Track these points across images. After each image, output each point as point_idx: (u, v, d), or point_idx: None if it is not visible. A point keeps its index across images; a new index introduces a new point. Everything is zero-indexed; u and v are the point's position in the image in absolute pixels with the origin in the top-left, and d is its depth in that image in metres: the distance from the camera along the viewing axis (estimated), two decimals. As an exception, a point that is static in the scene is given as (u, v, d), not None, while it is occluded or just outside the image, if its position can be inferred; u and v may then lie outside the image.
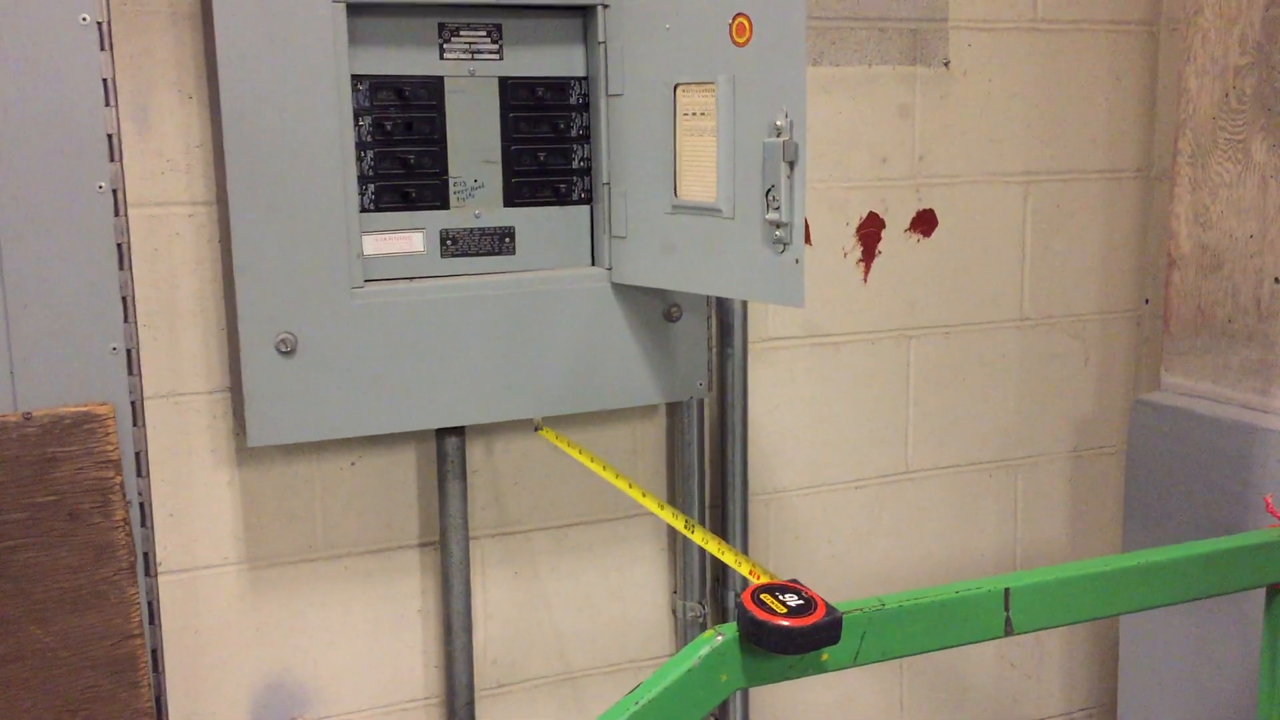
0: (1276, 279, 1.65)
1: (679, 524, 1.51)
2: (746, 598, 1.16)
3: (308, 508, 1.76)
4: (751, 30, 1.42)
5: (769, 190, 1.41)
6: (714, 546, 1.39)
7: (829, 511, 2.10)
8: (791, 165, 1.39)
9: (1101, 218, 2.23)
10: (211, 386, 1.68)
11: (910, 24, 2.02)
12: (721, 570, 1.99)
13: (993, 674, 2.29)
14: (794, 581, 1.19)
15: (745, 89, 1.44)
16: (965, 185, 2.11)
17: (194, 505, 1.70)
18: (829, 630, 1.15)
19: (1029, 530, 2.27)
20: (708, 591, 1.98)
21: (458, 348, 1.60)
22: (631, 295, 1.68)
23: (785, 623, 1.13)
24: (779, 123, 1.39)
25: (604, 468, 1.63)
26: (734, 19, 1.43)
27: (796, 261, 1.41)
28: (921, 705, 2.23)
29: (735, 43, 1.44)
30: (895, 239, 2.07)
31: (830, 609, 1.16)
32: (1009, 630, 1.29)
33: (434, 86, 1.60)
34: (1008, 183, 2.14)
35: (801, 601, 1.16)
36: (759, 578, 1.27)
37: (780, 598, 1.17)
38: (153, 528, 1.59)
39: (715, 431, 1.96)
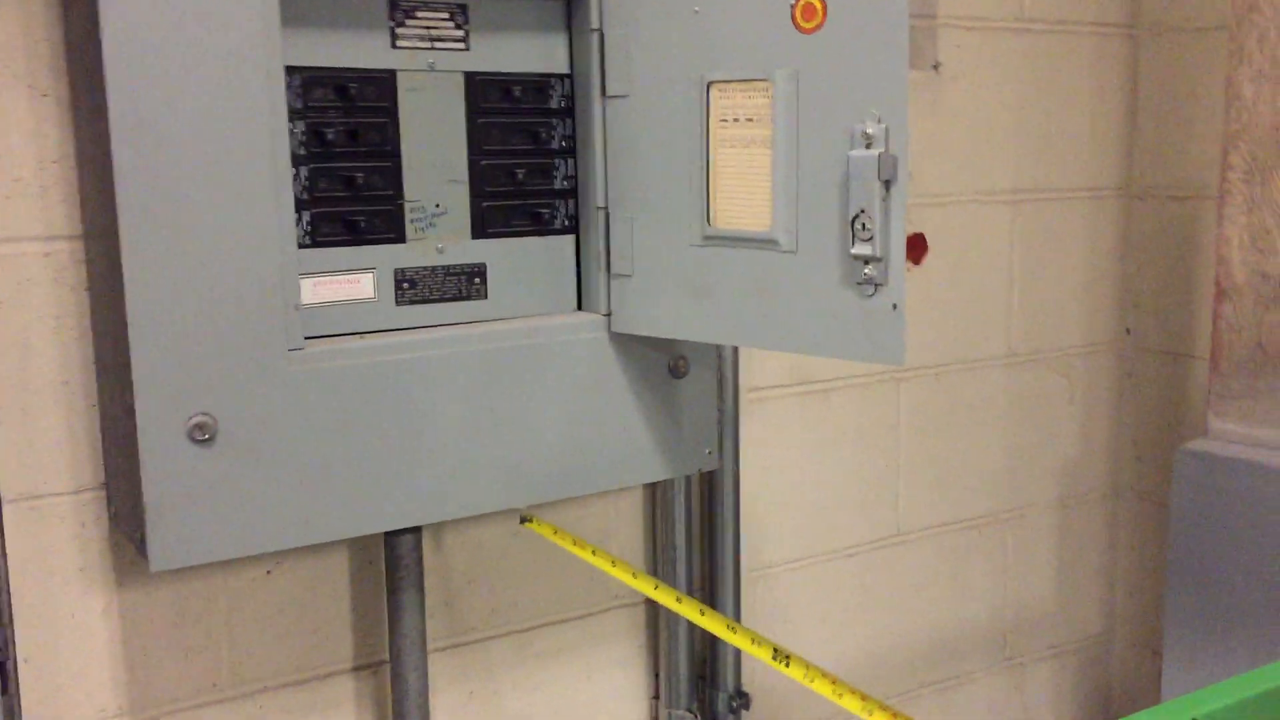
0: (1364, 310, 1.45)
1: (719, 628, 1.19)
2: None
3: (211, 635, 1.35)
4: (824, 11, 1.11)
5: (856, 217, 1.10)
6: (765, 653, 1.06)
7: (821, 586, 1.80)
8: (888, 185, 1.08)
9: (1084, 240, 2.02)
10: (79, 484, 1.26)
11: (900, 21, 1.75)
12: (709, 669, 1.66)
13: (982, 753, 2.05)
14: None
15: (815, 87, 1.12)
16: (954, 206, 1.85)
17: (59, 644, 1.27)
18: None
19: (1019, 589, 2.04)
20: (695, 694, 1.65)
21: (422, 423, 1.23)
22: (631, 347, 1.35)
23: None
24: (870, 130, 1.08)
25: (613, 563, 1.29)
26: (799, -2, 1.12)
27: (894, 307, 1.10)
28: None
29: (801, 28, 1.13)
30: (885, 268, 1.79)
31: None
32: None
33: (385, 83, 1.23)
34: (996, 203, 1.90)
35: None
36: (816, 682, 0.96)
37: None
38: (17, 675, 1.16)
39: (702, 503, 1.64)
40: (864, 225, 1.10)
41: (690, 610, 1.23)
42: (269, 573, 1.37)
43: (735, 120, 1.19)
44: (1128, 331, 2.09)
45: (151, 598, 1.31)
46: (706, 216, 1.22)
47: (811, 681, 1.05)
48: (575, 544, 1.30)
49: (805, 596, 1.79)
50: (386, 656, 1.45)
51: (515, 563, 1.53)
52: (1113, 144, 2.02)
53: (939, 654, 1.95)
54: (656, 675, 1.66)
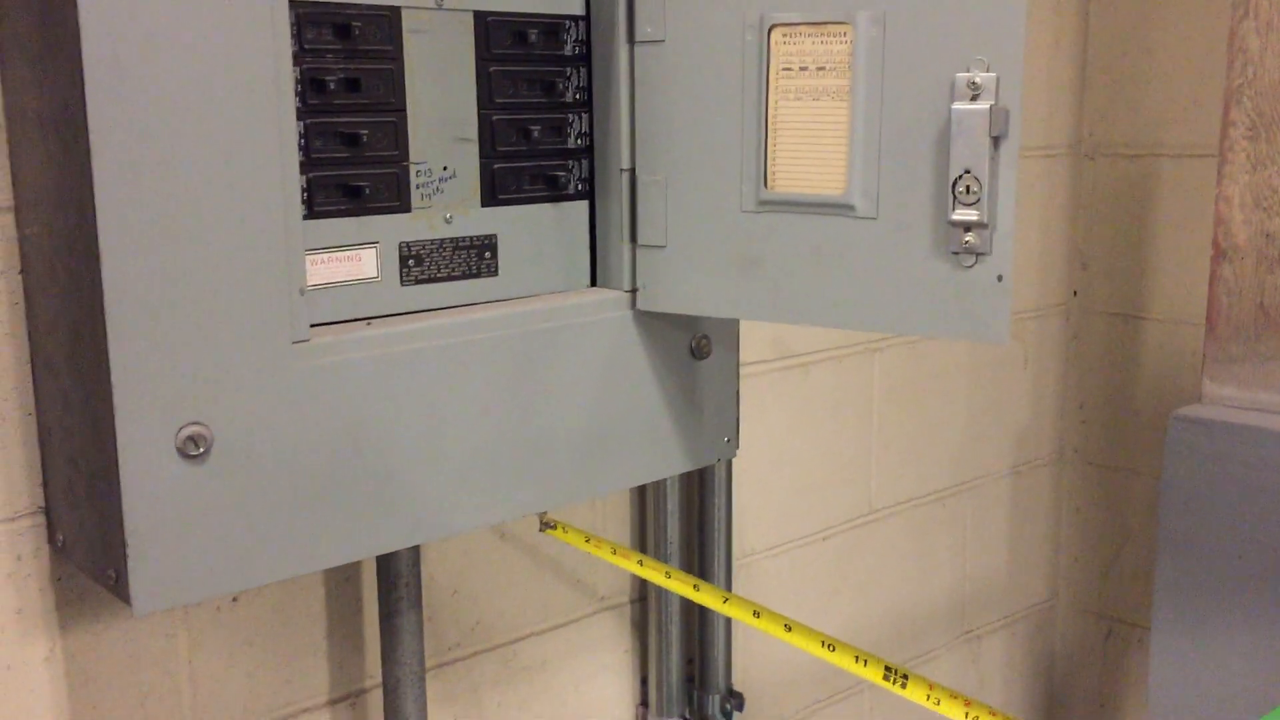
0: (1378, 272, 1.42)
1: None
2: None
3: (169, 674, 1.14)
4: (918, -55, 0.98)
5: (959, 178, 0.98)
6: (814, 644, 0.95)
7: (797, 571, 1.70)
8: (998, 142, 0.96)
9: (1040, 201, 1.96)
10: (14, 510, 1.03)
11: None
12: (699, 671, 1.54)
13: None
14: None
15: (907, 30, 0.99)
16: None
17: (-6, 706, 1.04)
18: None
19: (976, 560, 1.98)
20: (686, 698, 1.53)
21: (439, 423, 1.05)
22: (653, 327, 1.19)
23: None
24: (977, 79, 0.96)
25: (640, 563, 1.15)
26: (885, -71, 0.99)
27: (1000, 279, 0.99)
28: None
29: (888, -36, 0.99)
30: (862, 232, 1.69)
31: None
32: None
33: (389, 21, 1.03)
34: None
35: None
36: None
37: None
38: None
39: (692, 493, 1.50)
40: (968, 188, 0.98)
41: (743, 610, 1.10)
42: (234, 601, 1.17)
43: (802, 69, 1.05)
44: (1074, 294, 2.05)
45: (101, 639, 1.10)
46: (762, 178, 1.08)
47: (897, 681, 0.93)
48: (615, 552, 1.15)
49: (783, 584, 1.68)
50: (366, 685, 1.27)
51: (500, 570, 1.36)
52: (1065, 101, 1.96)
53: (905, 633, 1.88)
54: (644, 681, 1.52)
